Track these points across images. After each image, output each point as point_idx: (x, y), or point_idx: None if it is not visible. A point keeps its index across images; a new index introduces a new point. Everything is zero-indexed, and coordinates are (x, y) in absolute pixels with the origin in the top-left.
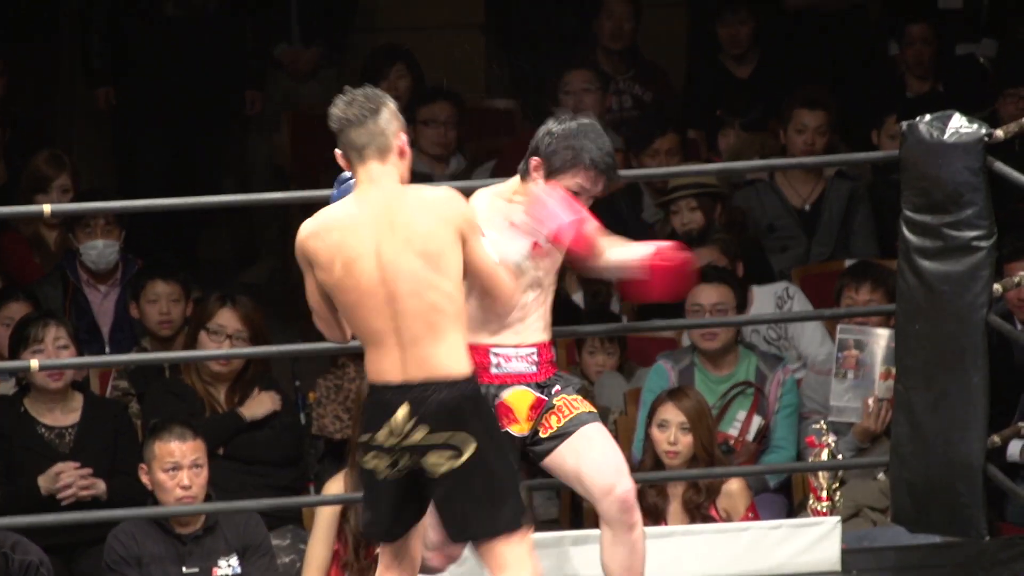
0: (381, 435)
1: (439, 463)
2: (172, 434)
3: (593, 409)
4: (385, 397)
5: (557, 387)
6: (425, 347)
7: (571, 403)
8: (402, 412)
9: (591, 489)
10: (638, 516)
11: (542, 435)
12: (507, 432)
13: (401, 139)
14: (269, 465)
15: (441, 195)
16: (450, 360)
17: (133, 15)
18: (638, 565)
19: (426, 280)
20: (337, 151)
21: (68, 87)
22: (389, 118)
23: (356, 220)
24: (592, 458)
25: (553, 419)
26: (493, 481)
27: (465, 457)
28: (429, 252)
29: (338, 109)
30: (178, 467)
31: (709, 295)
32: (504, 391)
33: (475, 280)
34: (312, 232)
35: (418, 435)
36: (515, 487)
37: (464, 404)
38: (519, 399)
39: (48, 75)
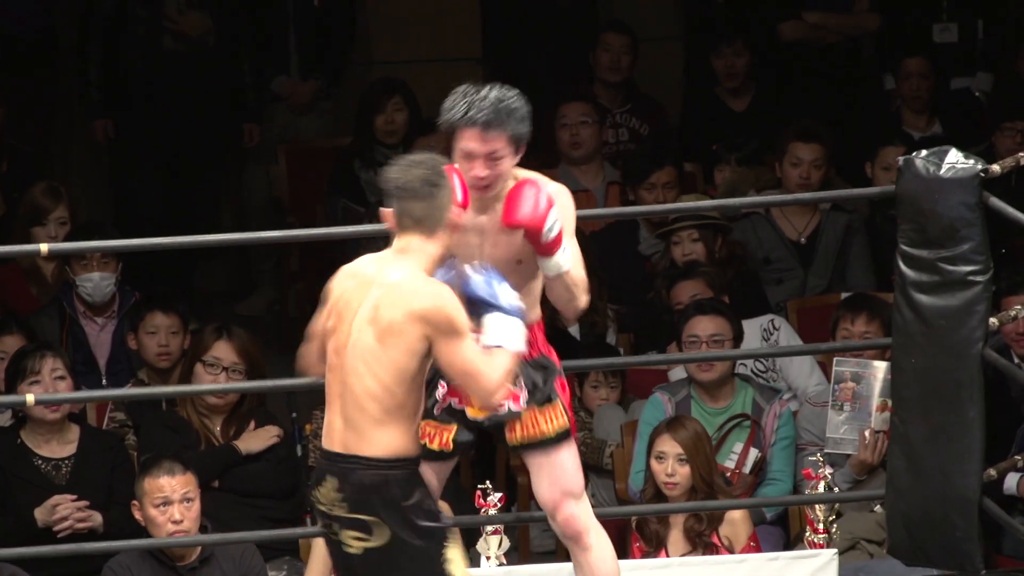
0: (314, 497)
1: (352, 542)
2: (161, 469)
3: (560, 423)
4: (320, 461)
5: (525, 393)
6: (356, 425)
7: (538, 421)
8: (330, 483)
9: (544, 509)
10: (590, 540)
11: (507, 439)
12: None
13: (454, 212)
14: (265, 497)
15: (425, 292)
16: (377, 443)
17: (131, 48)
18: None
19: (372, 366)
20: (388, 210)
21: (66, 119)
22: (448, 192)
23: (364, 281)
24: (544, 481)
25: (519, 430)
26: (399, 568)
27: (376, 543)
28: (385, 342)
29: (399, 174)
30: (168, 502)
31: (706, 326)
32: None
33: (450, 376)
34: (342, 273)
35: (339, 510)
36: (426, 570)
37: (383, 489)
38: None
39: (46, 107)
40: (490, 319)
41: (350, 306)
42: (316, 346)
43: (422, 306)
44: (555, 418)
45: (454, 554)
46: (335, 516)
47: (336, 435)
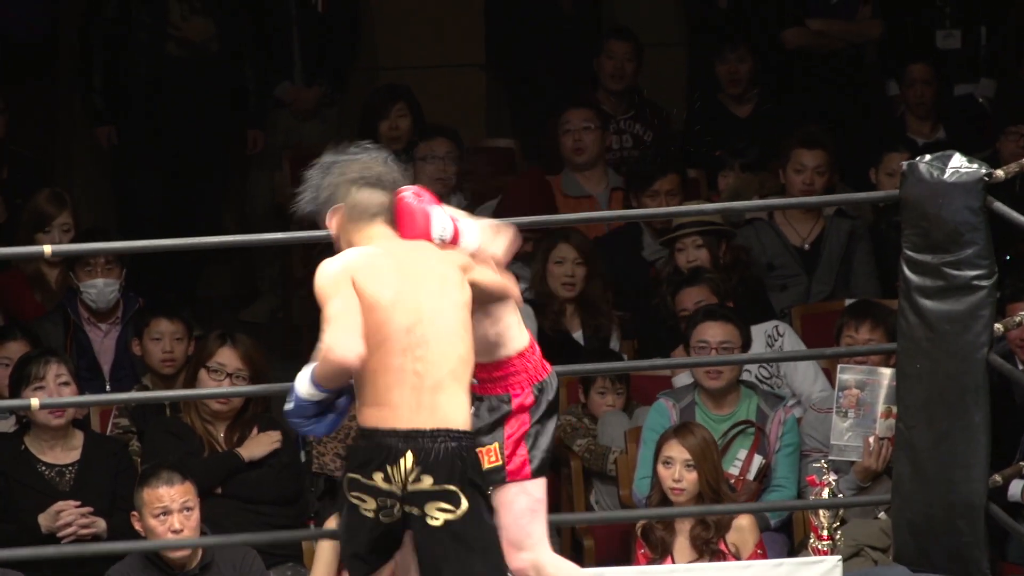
0: (378, 477)
1: (438, 514)
2: (160, 479)
3: (492, 460)
4: (387, 440)
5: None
6: (437, 394)
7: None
8: (409, 459)
9: None
10: None
11: None
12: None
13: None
14: (269, 504)
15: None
16: (460, 413)
17: (135, 54)
18: None
19: (448, 327)
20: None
21: (69, 126)
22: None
23: (409, 258)
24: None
25: None
26: (480, 539)
27: (461, 511)
28: (449, 298)
29: (355, 172)
30: (168, 511)
31: (715, 333)
32: None
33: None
34: (367, 257)
35: (424, 483)
36: (497, 547)
37: (467, 458)
38: None
39: (49, 114)
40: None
41: (407, 283)
42: (360, 326)
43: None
44: (488, 455)
45: None
46: (408, 493)
47: (413, 410)
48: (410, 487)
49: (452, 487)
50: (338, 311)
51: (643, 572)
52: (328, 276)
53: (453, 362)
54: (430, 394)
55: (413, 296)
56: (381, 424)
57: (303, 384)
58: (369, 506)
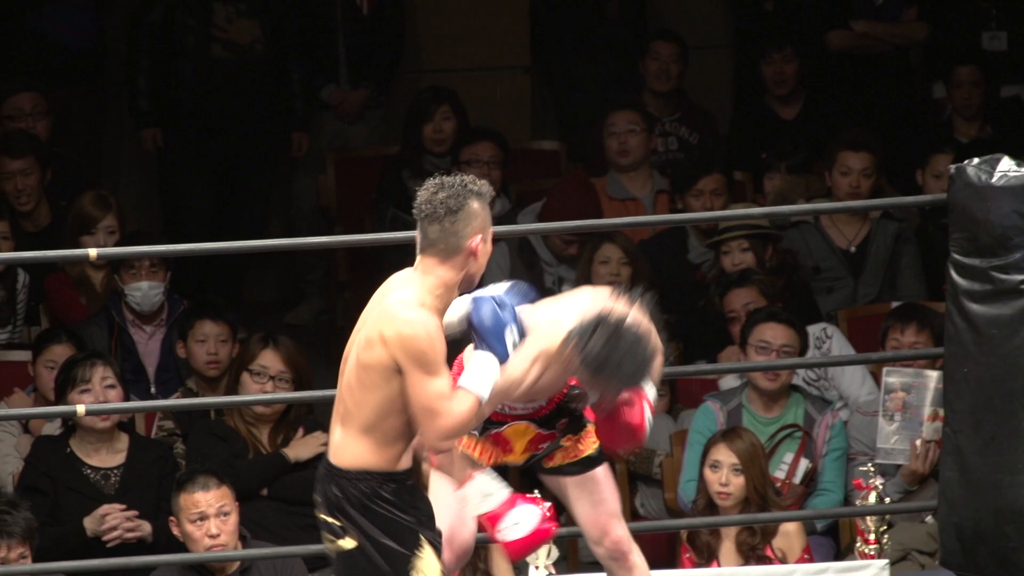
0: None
1: (327, 542)
2: (196, 484)
3: (597, 443)
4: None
5: (564, 420)
6: (336, 432)
7: (577, 445)
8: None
9: (586, 534)
10: (635, 560)
11: (545, 464)
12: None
13: (475, 240)
14: (313, 505)
15: (404, 318)
16: (349, 452)
17: (180, 57)
18: None
19: (352, 382)
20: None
21: (115, 128)
22: (467, 219)
23: (377, 296)
24: (587, 504)
25: (559, 455)
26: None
27: (344, 547)
28: (364, 359)
29: (423, 194)
30: (204, 516)
31: (777, 334)
32: (504, 425)
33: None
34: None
35: (320, 513)
36: None
37: (352, 497)
38: (518, 434)
39: (95, 116)
40: (475, 356)
41: (362, 319)
42: None
43: (395, 331)
44: (592, 440)
45: (426, 564)
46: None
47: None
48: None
49: (333, 520)
50: None
51: None
52: None
53: (343, 407)
54: (333, 430)
55: (354, 336)
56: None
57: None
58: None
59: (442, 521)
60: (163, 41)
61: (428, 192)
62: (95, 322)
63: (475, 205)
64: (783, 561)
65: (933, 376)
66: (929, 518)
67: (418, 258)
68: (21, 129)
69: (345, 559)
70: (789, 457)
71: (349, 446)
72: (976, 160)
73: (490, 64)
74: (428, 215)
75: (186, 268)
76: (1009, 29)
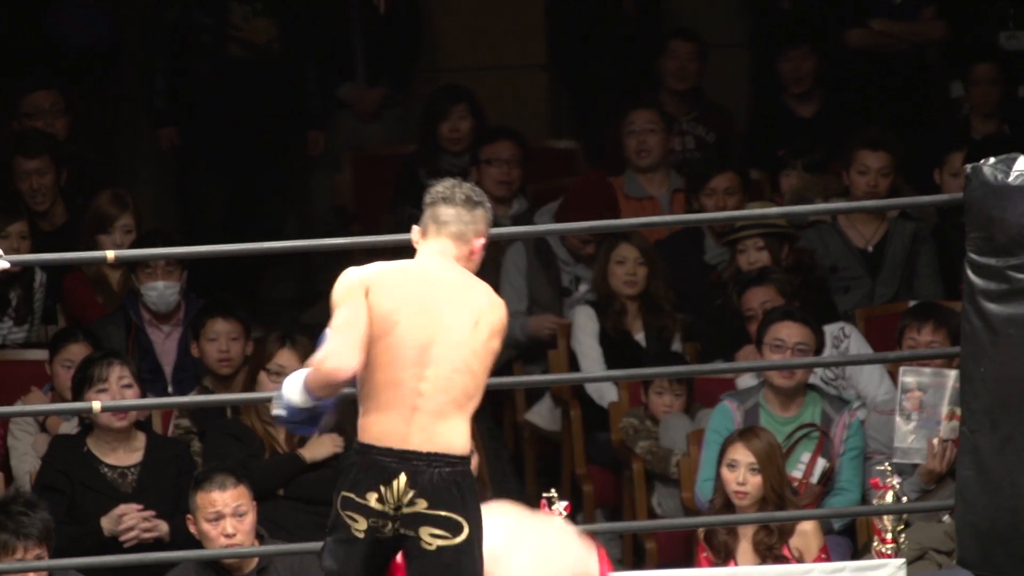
0: (371, 497)
1: (431, 540)
2: (213, 483)
3: None
4: (381, 460)
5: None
6: (438, 419)
7: None
8: (403, 480)
9: None
10: None
11: None
12: None
13: (479, 241)
14: (329, 505)
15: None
16: (456, 437)
17: (197, 56)
18: None
19: (465, 358)
20: (416, 227)
21: (131, 127)
22: (481, 218)
23: (438, 280)
24: None
25: None
26: (469, 569)
27: (459, 540)
28: (488, 344)
29: (441, 187)
30: (220, 516)
31: (792, 332)
32: None
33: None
34: (389, 271)
35: (419, 506)
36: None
37: (464, 485)
38: None
39: (111, 115)
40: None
41: (432, 302)
42: (362, 340)
43: (502, 318)
44: None
45: None
46: (401, 515)
47: (407, 432)
48: (404, 509)
49: (450, 514)
50: (342, 322)
51: (706, 575)
52: (343, 285)
53: (457, 392)
54: (430, 417)
55: (432, 316)
56: (377, 442)
57: (294, 390)
58: (360, 526)
59: None
60: (179, 40)
61: (449, 183)
62: (112, 321)
63: (488, 212)
64: (800, 560)
65: (950, 375)
66: (946, 517)
67: (432, 240)
68: (36, 128)
69: (454, 554)
70: (806, 456)
71: (461, 431)
72: (992, 159)
73: (507, 63)
74: (447, 198)
75: (203, 267)
76: None
